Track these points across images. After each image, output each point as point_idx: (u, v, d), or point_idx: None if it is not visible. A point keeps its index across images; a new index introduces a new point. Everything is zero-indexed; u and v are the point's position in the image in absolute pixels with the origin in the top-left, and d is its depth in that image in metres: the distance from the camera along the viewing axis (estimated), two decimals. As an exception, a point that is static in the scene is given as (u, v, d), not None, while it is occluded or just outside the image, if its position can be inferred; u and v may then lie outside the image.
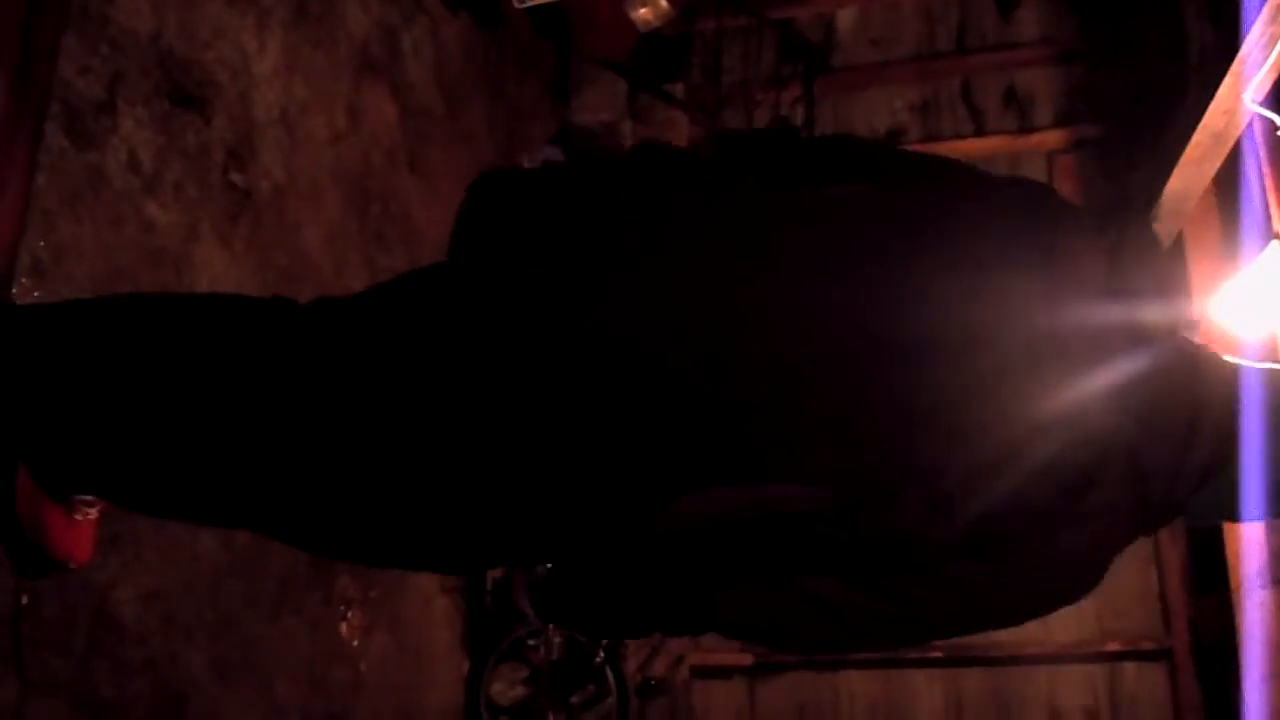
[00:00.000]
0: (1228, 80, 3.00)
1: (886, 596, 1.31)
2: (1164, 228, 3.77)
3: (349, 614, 3.03)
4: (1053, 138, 5.02)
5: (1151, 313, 1.42)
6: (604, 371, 1.30)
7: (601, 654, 3.90)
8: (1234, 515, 1.42)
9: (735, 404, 1.29)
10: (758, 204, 1.44)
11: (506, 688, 3.94)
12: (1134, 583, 4.50)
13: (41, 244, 1.99)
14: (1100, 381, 1.32)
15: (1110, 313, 1.38)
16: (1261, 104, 3.01)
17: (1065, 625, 4.53)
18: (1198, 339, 1.49)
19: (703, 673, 4.69)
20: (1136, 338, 1.38)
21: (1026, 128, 5.07)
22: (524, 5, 4.16)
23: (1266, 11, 2.76)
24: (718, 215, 1.41)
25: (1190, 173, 3.45)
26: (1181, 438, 1.33)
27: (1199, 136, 3.25)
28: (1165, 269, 1.31)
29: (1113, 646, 4.45)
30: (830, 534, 1.27)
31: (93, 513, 1.86)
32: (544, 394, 1.31)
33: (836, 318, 1.32)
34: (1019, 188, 1.48)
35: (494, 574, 4.11)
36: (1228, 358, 1.42)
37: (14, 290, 1.89)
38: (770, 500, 1.28)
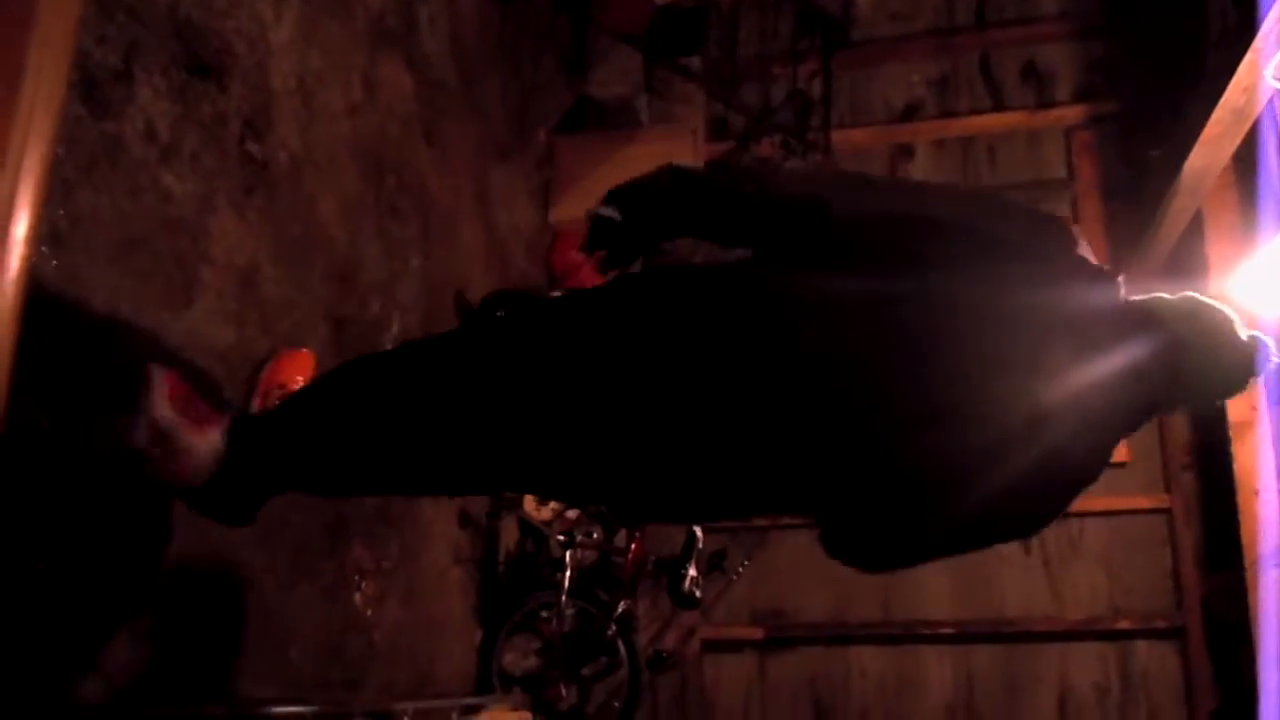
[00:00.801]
0: (1248, 58, 2.98)
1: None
2: (1183, 204, 3.76)
3: (363, 584, 3.05)
4: (1071, 113, 4.99)
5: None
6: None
7: (613, 626, 3.92)
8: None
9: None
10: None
11: (519, 659, 3.96)
12: (1146, 561, 4.51)
13: (60, 212, 2.00)
14: (1066, 375, 1.68)
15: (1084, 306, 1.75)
16: (1282, 81, 2.99)
17: (1077, 603, 4.54)
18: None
19: (714, 646, 4.72)
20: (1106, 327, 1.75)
21: (1045, 103, 5.05)
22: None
23: (1289, -11, 2.74)
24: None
25: (1210, 150, 3.43)
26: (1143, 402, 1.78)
27: (1219, 114, 3.22)
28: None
29: (1124, 624, 4.46)
30: None
31: None
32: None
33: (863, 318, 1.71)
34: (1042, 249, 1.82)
35: (508, 547, 4.13)
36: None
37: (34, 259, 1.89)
38: None
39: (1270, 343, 1.83)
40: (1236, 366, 1.80)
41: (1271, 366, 1.83)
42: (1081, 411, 1.67)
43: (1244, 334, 1.80)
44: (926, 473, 1.69)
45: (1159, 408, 1.84)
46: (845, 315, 1.70)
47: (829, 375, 1.68)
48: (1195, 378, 1.78)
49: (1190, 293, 1.84)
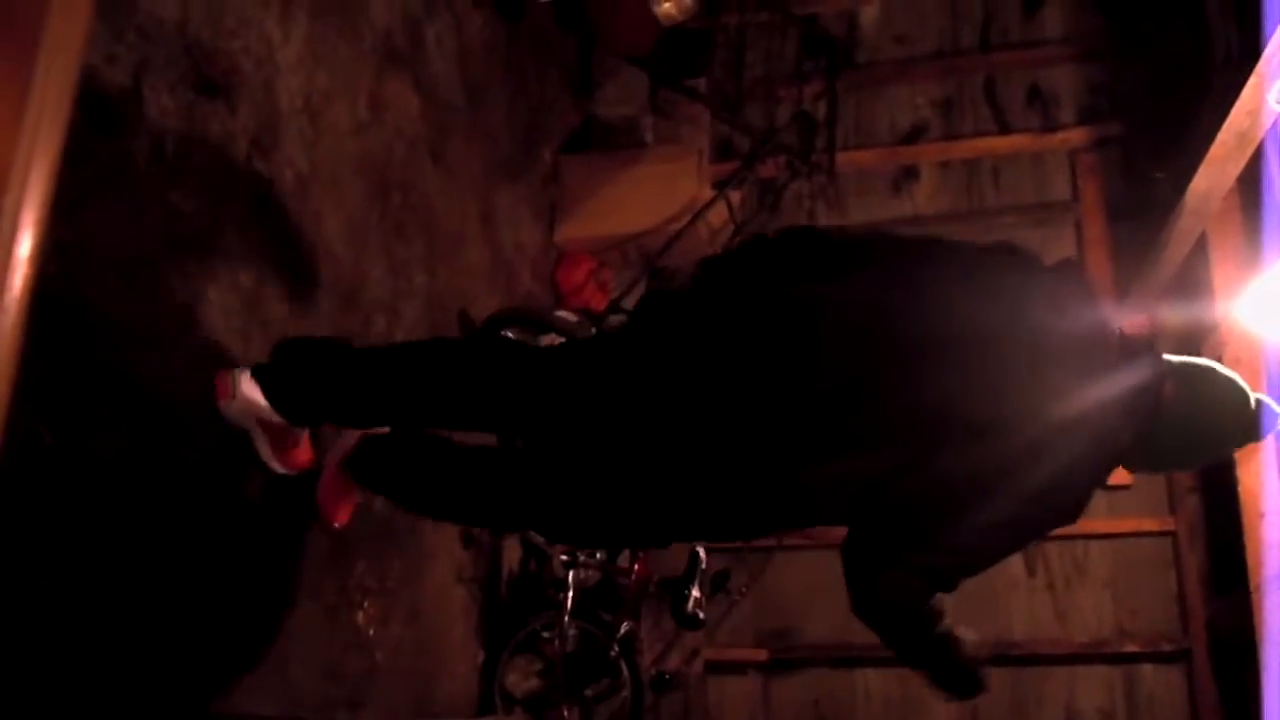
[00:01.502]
0: (1252, 81, 2.98)
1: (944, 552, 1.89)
2: (1187, 226, 3.75)
3: (365, 604, 3.04)
4: (1076, 136, 5.00)
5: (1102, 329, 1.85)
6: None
7: (616, 647, 3.91)
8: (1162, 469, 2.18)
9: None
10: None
11: (521, 679, 3.94)
12: (1152, 584, 4.49)
13: (67, 230, 2.01)
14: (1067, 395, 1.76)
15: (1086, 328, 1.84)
16: (1286, 104, 3.00)
17: (1083, 626, 4.52)
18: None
19: (717, 667, 4.70)
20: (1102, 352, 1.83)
21: (1050, 126, 5.05)
22: (547, -2, 4.17)
23: (1292, 12, 2.75)
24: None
25: (1214, 173, 3.43)
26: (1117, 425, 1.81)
27: (1223, 136, 3.22)
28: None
29: (1130, 647, 4.44)
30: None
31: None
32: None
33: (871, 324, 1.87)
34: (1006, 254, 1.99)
35: (510, 567, 4.12)
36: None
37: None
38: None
39: (1276, 407, 1.87)
40: (1222, 431, 1.87)
41: (1271, 432, 1.88)
42: (1086, 425, 1.76)
43: (1251, 399, 1.85)
44: (953, 481, 1.82)
45: (1128, 453, 1.87)
46: (864, 330, 1.86)
47: (852, 383, 1.84)
48: (1172, 429, 1.83)
49: (1208, 361, 1.90)
